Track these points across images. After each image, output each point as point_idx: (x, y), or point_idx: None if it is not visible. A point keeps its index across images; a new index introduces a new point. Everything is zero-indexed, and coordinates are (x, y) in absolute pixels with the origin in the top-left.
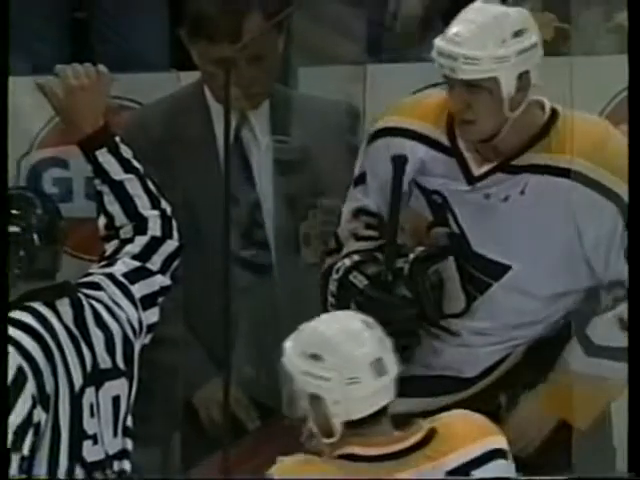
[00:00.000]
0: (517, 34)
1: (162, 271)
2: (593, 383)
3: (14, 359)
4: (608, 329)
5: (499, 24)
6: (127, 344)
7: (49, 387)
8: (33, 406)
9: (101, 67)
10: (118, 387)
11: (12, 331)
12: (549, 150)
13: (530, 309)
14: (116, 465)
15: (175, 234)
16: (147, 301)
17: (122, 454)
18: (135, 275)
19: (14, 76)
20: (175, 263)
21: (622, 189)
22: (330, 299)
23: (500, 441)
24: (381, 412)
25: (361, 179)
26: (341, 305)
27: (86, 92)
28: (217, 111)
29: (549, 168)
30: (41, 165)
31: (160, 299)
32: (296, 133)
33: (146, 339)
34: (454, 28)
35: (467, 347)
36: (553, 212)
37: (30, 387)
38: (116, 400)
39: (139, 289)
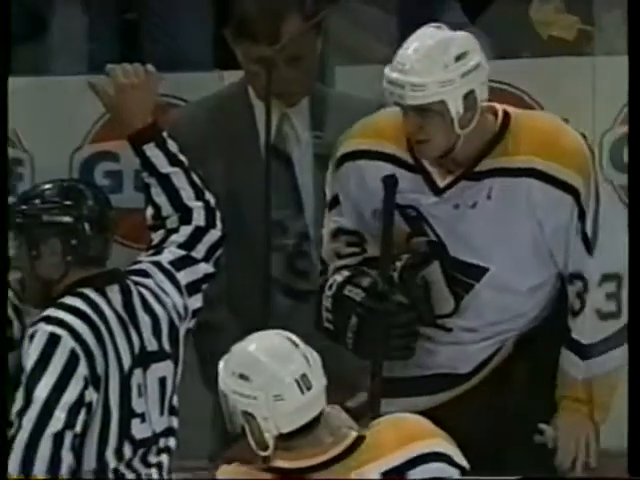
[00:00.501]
0: (459, 57)
1: (206, 259)
2: (600, 381)
3: (67, 342)
4: (591, 326)
5: (442, 50)
6: (172, 328)
7: (100, 369)
8: (85, 387)
9: (149, 67)
10: (164, 368)
11: (65, 315)
12: (506, 153)
13: (512, 304)
14: (162, 442)
15: (218, 224)
16: (192, 288)
17: (168, 432)
18: (180, 263)
19: (67, 75)
20: (218, 252)
21: (575, 181)
22: (326, 315)
23: (431, 444)
24: (313, 422)
25: (335, 202)
26: (338, 319)
27: (135, 90)
28: (259, 108)
29: (509, 170)
30: (93, 159)
31: (204, 286)
32: (334, 129)
33: (190, 323)
34: (400, 56)
35: (459, 345)
36: (517, 211)
37: (82, 369)
38: (162, 381)
39: (184, 276)
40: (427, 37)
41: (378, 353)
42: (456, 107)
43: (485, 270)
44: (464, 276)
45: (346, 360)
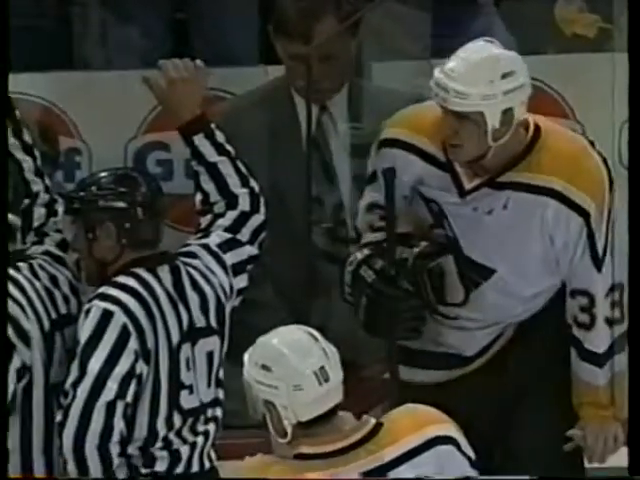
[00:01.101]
0: (505, 76)
1: (250, 242)
2: (617, 382)
3: (119, 318)
4: (603, 335)
5: (490, 65)
6: (219, 306)
7: (150, 343)
8: (136, 360)
9: (198, 62)
10: (211, 343)
11: (118, 293)
12: (529, 169)
13: (513, 306)
14: (210, 412)
15: (262, 209)
16: (237, 268)
17: (215, 402)
18: (227, 246)
19: (123, 70)
20: (262, 235)
21: (588, 205)
22: (346, 288)
23: (444, 429)
24: (330, 413)
25: (372, 178)
26: (354, 295)
27: (185, 84)
28: (300, 101)
29: (528, 186)
30: (146, 148)
31: (249, 266)
32: (370, 120)
33: (236, 302)
34: (451, 63)
35: (465, 330)
36: (530, 225)
37: (133, 343)
38: (210, 355)
39: (230, 257)
40: (479, 50)
41: (385, 333)
42: (493, 121)
43: (492, 272)
44: (473, 273)
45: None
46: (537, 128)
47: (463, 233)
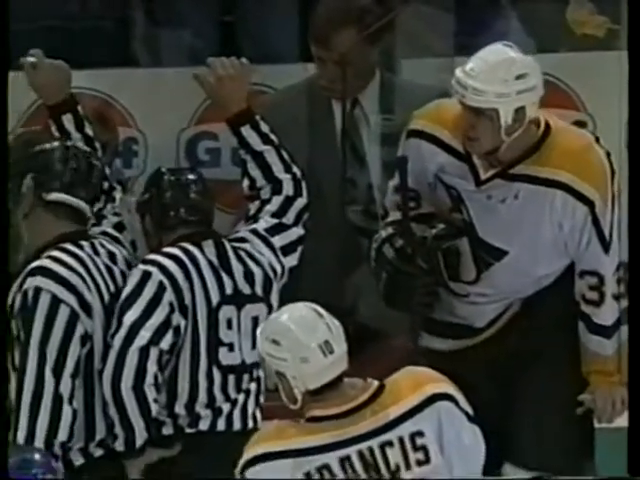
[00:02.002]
0: (519, 77)
1: (295, 223)
2: (622, 351)
3: (156, 277)
4: (611, 309)
5: (506, 67)
6: (267, 280)
7: (187, 300)
8: (171, 312)
9: (244, 60)
10: (257, 310)
11: (157, 257)
12: (539, 163)
13: (523, 285)
14: (255, 373)
15: (304, 192)
16: (287, 249)
17: (259, 364)
18: (274, 230)
19: (176, 67)
20: (305, 216)
21: (592, 195)
22: (371, 262)
23: (441, 387)
24: (336, 380)
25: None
26: (378, 270)
27: (232, 80)
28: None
29: (538, 178)
30: (196, 137)
31: (298, 246)
32: (399, 112)
33: (285, 278)
34: (470, 63)
35: (475, 305)
36: (540, 213)
37: (168, 296)
38: (255, 319)
39: (279, 240)
40: (497, 52)
41: (401, 306)
42: (506, 117)
43: (504, 253)
44: (486, 254)
45: None
46: (547, 125)
47: (478, 218)
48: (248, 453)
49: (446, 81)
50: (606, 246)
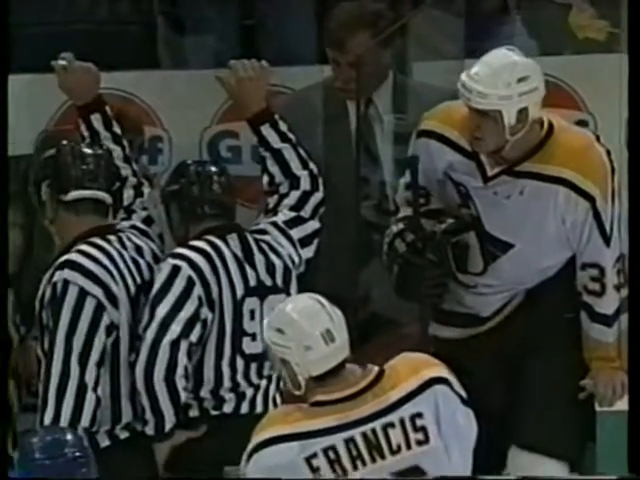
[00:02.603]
0: (520, 80)
1: (312, 217)
2: (622, 338)
3: (186, 271)
4: (612, 299)
5: (508, 70)
6: (286, 271)
7: (214, 294)
8: (200, 306)
9: (263, 62)
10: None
11: (186, 251)
12: (542, 160)
13: (527, 276)
14: None
15: (320, 188)
16: (304, 241)
17: None
18: (292, 223)
19: (199, 69)
20: (321, 210)
21: (593, 191)
22: (383, 256)
23: (437, 371)
24: (338, 367)
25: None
26: (389, 262)
27: (252, 81)
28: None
29: (542, 175)
30: (218, 136)
31: (315, 239)
32: (411, 112)
33: (301, 268)
34: (475, 68)
35: (481, 295)
36: (544, 208)
37: (197, 290)
38: None
39: (297, 233)
40: (500, 57)
41: (412, 297)
42: (509, 118)
43: (510, 246)
44: (493, 248)
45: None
46: (550, 125)
47: (485, 213)
48: (257, 437)
49: (456, 82)
50: (607, 239)
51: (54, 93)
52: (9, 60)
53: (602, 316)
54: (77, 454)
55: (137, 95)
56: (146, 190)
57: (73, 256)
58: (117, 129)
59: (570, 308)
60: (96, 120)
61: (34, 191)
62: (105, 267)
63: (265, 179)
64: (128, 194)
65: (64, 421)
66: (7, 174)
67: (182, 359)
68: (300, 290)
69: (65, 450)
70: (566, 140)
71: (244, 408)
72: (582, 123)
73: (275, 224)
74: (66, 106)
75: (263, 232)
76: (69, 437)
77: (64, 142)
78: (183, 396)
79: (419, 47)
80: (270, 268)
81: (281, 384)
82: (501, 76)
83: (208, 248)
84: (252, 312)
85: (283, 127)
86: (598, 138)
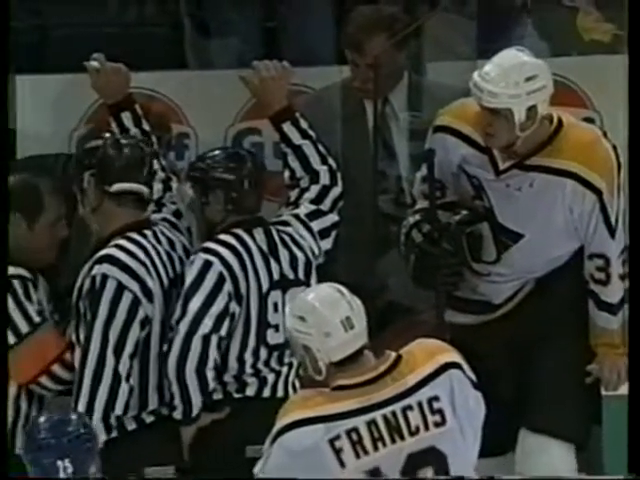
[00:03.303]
0: (529, 79)
1: (331, 210)
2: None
3: (217, 267)
4: (617, 288)
5: (517, 70)
6: (307, 263)
7: (242, 288)
8: (229, 301)
9: (285, 63)
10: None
11: (217, 247)
12: (552, 155)
13: (536, 265)
14: None
15: (339, 182)
16: (323, 233)
17: None
18: (313, 215)
19: (223, 70)
20: (340, 203)
21: (600, 184)
22: (400, 247)
23: (451, 356)
24: (357, 353)
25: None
26: (406, 253)
27: (274, 81)
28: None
29: (551, 169)
30: (242, 133)
31: (333, 231)
32: (426, 110)
33: (320, 260)
34: (486, 68)
35: (494, 283)
36: (552, 200)
37: (227, 287)
38: None
39: (317, 225)
40: (509, 57)
41: (428, 285)
42: (519, 116)
43: (521, 236)
44: (505, 238)
45: None
46: (559, 121)
47: (497, 204)
48: (282, 420)
49: (468, 82)
50: (612, 231)
51: (86, 92)
52: (9, 61)
53: (607, 304)
54: (81, 431)
55: (165, 94)
56: (174, 185)
57: (112, 251)
58: (146, 126)
59: (579, 296)
60: (126, 118)
61: (77, 180)
62: (142, 262)
63: (286, 174)
64: (157, 188)
65: (98, 408)
66: (7, 174)
67: (212, 352)
68: (320, 280)
69: (69, 428)
70: (574, 135)
71: (266, 392)
72: (589, 120)
73: (297, 216)
74: (97, 105)
75: (285, 224)
76: (73, 417)
77: (107, 135)
78: (212, 386)
79: (433, 48)
80: (293, 262)
81: (300, 370)
82: (510, 76)
83: (237, 244)
84: (275, 304)
85: (304, 124)
86: (605, 134)
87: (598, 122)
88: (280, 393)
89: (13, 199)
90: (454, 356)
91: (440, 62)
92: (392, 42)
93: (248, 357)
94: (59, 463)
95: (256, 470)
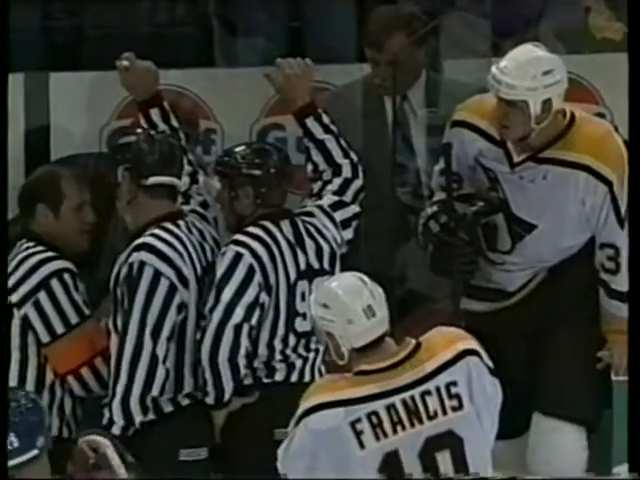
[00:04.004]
0: (546, 73)
1: (353, 202)
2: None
3: (247, 259)
4: (626, 277)
5: (534, 64)
6: (332, 253)
7: (272, 279)
8: (259, 291)
9: (308, 60)
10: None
11: (247, 239)
12: (565, 148)
13: (549, 254)
14: None
15: (360, 175)
16: (345, 224)
17: None
18: (336, 206)
19: (249, 67)
20: (361, 196)
21: (611, 176)
22: (419, 237)
23: (469, 344)
24: (378, 340)
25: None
26: (424, 242)
27: (298, 78)
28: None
29: (564, 161)
30: (266, 128)
31: (354, 222)
32: (443, 106)
33: (343, 249)
34: (504, 62)
35: (508, 272)
36: (565, 191)
37: (257, 278)
38: None
39: (339, 215)
40: (526, 51)
41: (446, 273)
42: (535, 108)
43: (534, 227)
44: (519, 228)
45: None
46: (572, 115)
47: (512, 196)
48: (305, 403)
49: (484, 79)
50: (621, 222)
51: (116, 89)
52: (9, 61)
53: (617, 292)
54: (29, 406)
55: (193, 91)
56: (201, 178)
57: (149, 239)
58: (174, 122)
59: (590, 285)
60: (155, 114)
61: (112, 174)
62: (177, 250)
63: (309, 167)
64: (185, 181)
65: (136, 391)
66: (7, 174)
67: (244, 341)
68: (343, 269)
69: (14, 404)
70: (586, 129)
71: (294, 377)
72: (600, 116)
73: (321, 207)
74: (126, 102)
75: (310, 214)
76: (21, 392)
77: (140, 130)
78: (243, 373)
79: (450, 47)
80: (319, 252)
81: (326, 356)
82: (527, 69)
83: (265, 236)
84: (303, 294)
85: (326, 120)
86: (616, 128)
87: (609, 118)
88: (307, 378)
89: (34, 192)
90: (472, 343)
91: (457, 60)
92: (411, 40)
93: (277, 344)
94: None
95: (280, 450)
